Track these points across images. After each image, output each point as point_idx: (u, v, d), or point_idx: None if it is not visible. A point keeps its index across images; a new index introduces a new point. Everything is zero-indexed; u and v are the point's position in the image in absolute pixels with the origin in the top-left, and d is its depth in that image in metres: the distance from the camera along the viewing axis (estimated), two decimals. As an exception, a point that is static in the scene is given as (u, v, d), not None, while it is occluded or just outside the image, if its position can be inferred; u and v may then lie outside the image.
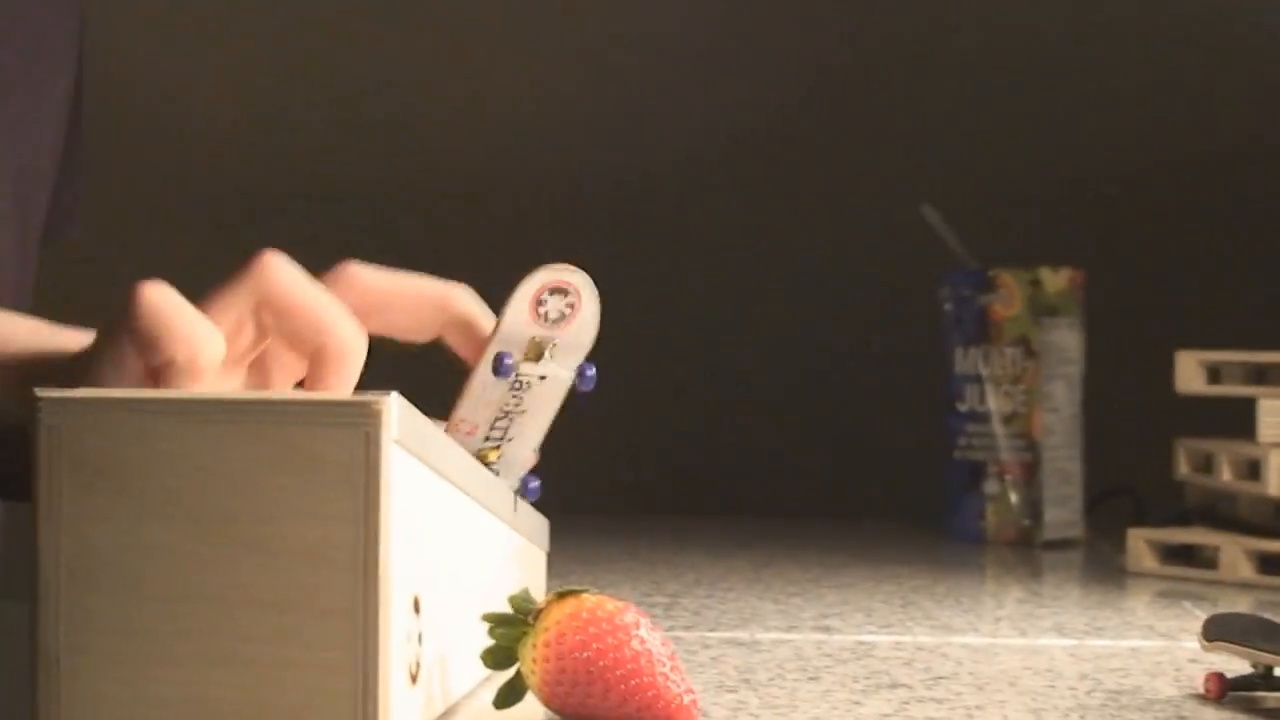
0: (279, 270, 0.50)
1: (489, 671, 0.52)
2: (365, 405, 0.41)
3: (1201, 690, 0.56)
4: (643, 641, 0.47)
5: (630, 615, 0.47)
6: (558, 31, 1.46)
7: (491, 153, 1.47)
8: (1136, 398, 1.10)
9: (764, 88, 1.41)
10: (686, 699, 0.46)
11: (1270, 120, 1.24)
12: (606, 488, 1.18)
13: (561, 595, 0.47)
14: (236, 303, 0.50)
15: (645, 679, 0.47)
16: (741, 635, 0.68)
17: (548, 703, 0.47)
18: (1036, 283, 1.06)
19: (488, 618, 0.48)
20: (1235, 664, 0.56)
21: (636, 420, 1.32)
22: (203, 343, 0.49)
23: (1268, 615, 0.63)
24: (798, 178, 1.40)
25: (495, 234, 1.43)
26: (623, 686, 0.47)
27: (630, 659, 0.47)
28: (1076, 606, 0.85)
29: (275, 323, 0.50)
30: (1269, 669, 0.55)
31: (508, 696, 0.48)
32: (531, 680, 0.47)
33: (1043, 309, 1.05)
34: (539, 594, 0.50)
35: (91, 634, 0.41)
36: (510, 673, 0.48)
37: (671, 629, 0.68)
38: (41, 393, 0.41)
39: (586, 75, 1.46)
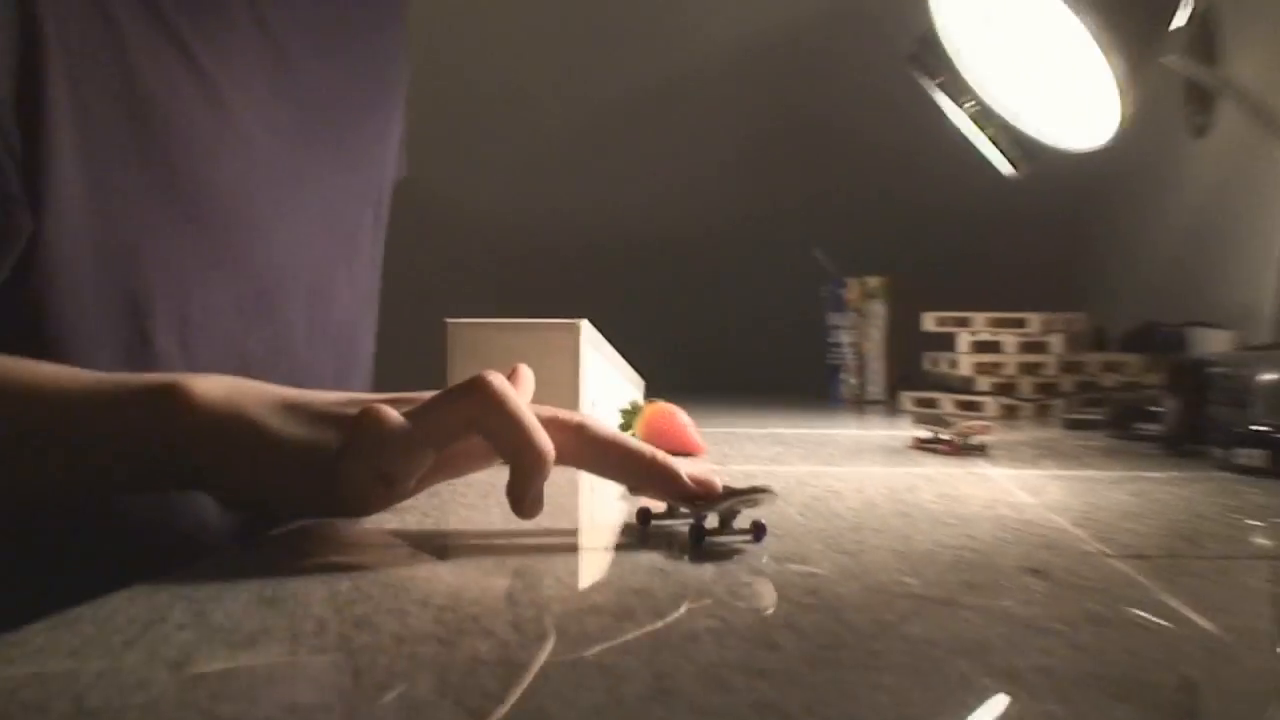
0: (500, 386, 0.59)
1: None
2: (574, 324, 0.95)
3: (910, 445, 1.27)
4: (682, 420, 1.00)
5: (678, 411, 1.01)
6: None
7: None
8: (908, 334, 1.62)
9: (698, 172, 2.03)
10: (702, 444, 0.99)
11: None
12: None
13: (649, 402, 1.01)
14: (465, 408, 0.58)
15: (683, 434, 1.00)
16: (722, 430, 1.35)
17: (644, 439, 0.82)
18: (865, 283, 1.68)
19: (622, 411, 1.02)
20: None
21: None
22: (547, 451, 0.58)
23: (942, 415, 1.37)
24: (744, 242, 2.03)
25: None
26: (672, 435, 0.99)
27: (679, 427, 1.00)
28: (871, 422, 1.43)
29: (491, 429, 0.58)
30: (937, 434, 1.05)
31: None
32: (637, 432, 0.96)
33: (868, 295, 1.68)
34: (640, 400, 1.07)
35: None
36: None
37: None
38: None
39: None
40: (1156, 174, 1.88)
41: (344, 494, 0.59)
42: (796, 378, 1.80)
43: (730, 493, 0.62)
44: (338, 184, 0.90)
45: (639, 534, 0.64)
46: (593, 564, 0.60)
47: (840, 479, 0.89)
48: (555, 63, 2.06)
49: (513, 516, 0.60)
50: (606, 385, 1.07)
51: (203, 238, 0.76)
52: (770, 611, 0.49)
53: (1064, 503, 0.79)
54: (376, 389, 0.91)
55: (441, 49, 1.90)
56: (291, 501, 0.60)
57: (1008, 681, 0.40)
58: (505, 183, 2.07)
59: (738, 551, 0.60)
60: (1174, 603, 0.50)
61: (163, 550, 0.67)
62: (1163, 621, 0.48)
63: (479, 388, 0.57)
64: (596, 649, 0.43)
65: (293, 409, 0.59)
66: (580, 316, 0.99)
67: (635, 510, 0.65)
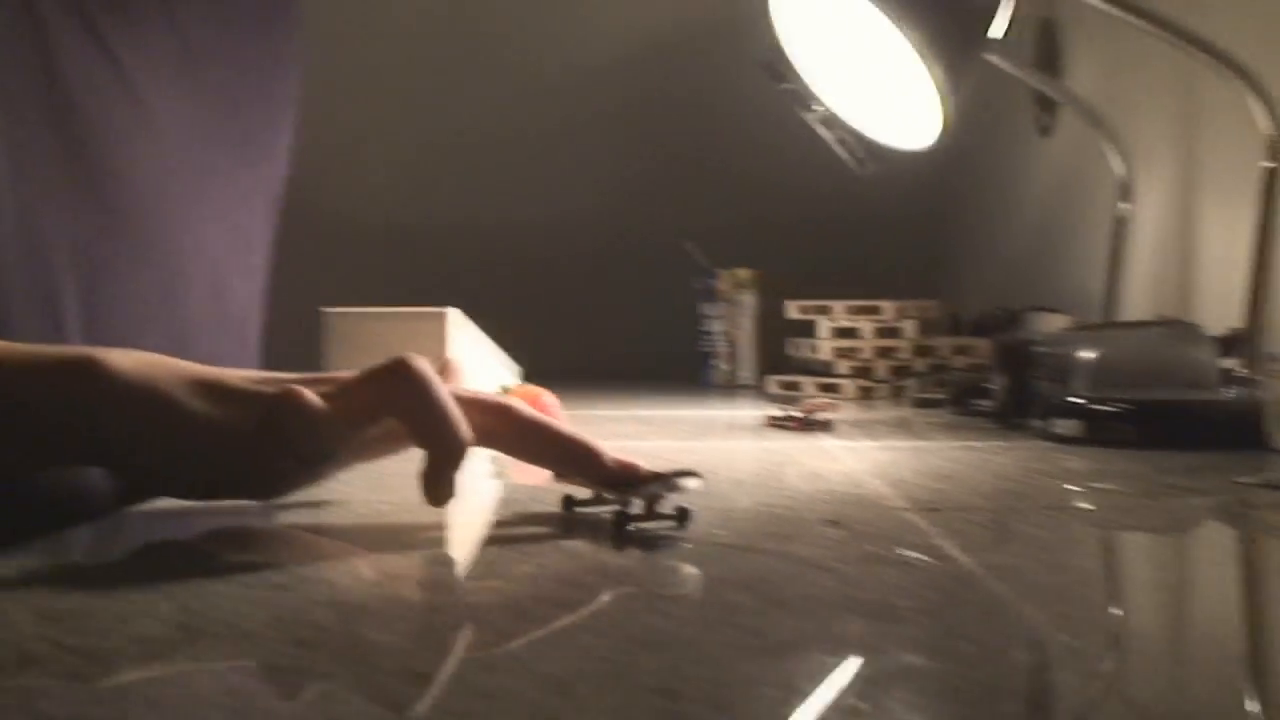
0: (420, 370, 0.56)
1: None
2: (441, 312, 1.06)
3: (765, 423, 1.39)
4: (547, 402, 0.92)
5: (545, 393, 0.94)
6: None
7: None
8: (776, 323, 1.70)
9: (579, 171, 2.13)
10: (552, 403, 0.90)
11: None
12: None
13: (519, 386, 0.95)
14: (384, 391, 0.56)
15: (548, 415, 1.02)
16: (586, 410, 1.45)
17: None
18: (735, 275, 1.78)
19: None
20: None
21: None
22: (463, 439, 0.56)
23: (799, 396, 1.42)
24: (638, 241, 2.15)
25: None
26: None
27: (544, 408, 0.83)
28: (736, 404, 1.52)
29: (407, 413, 0.56)
30: (788, 413, 1.12)
31: None
32: None
33: (738, 286, 1.78)
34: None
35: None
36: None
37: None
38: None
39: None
40: (1007, 170, 1.98)
41: (258, 474, 0.57)
42: (672, 365, 1.87)
43: (654, 477, 0.60)
44: (239, 179, 0.91)
45: (564, 521, 0.62)
46: (513, 552, 0.57)
47: (689, 452, 0.95)
48: (435, 62, 2.12)
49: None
50: (478, 371, 1.12)
51: (115, 229, 0.76)
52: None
53: (886, 469, 0.85)
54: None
55: (322, 44, 1.92)
56: (203, 480, 0.58)
57: (774, 607, 0.46)
58: (388, 177, 2.13)
59: (663, 538, 0.58)
60: (945, 545, 0.57)
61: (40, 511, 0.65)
62: (928, 559, 0.54)
63: (399, 370, 0.56)
64: (512, 641, 0.43)
65: (208, 386, 0.56)
66: (460, 306, 1.03)
67: (560, 498, 0.64)
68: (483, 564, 0.56)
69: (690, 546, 0.56)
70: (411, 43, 2.13)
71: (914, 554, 0.55)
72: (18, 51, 0.69)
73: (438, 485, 0.55)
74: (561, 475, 0.64)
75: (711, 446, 0.99)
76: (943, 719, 0.33)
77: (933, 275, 2.09)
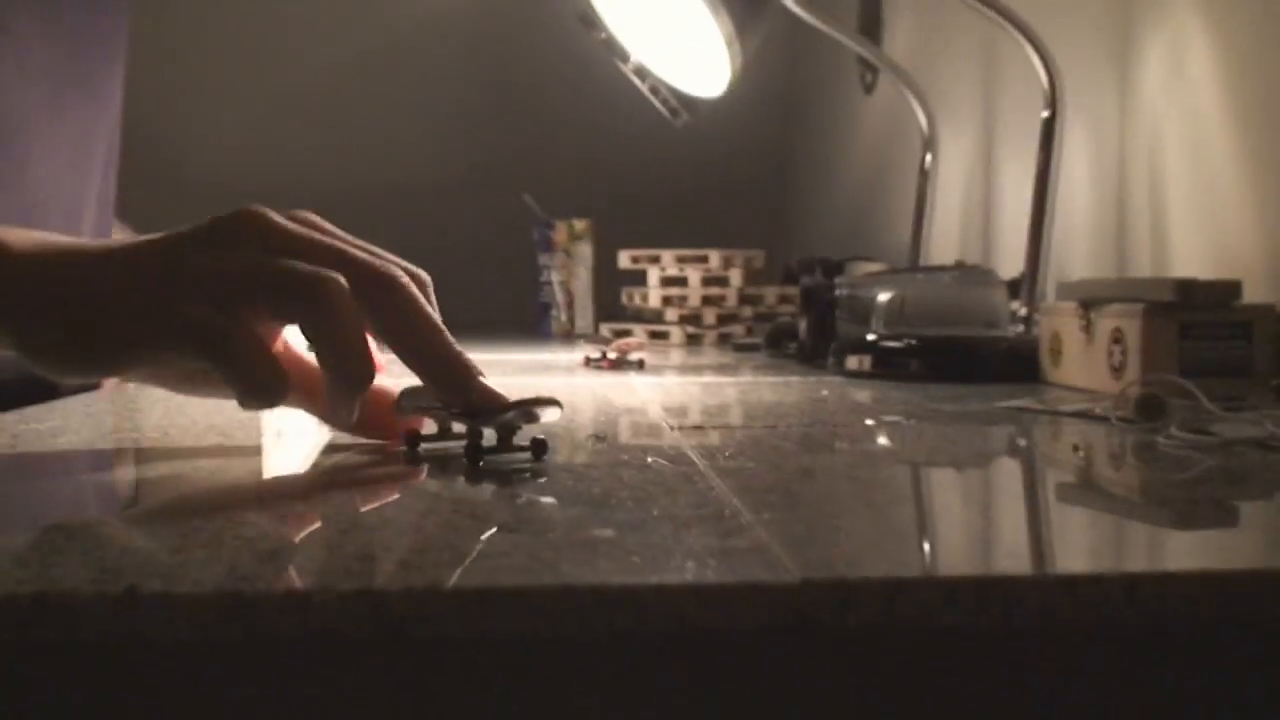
0: (341, 295, 0.51)
1: None
2: None
3: (581, 363, 1.43)
4: None
5: None
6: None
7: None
8: (606, 271, 1.76)
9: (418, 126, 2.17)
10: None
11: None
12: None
13: None
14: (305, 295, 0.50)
15: None
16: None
17: None
18: (571, 226, 1.79)
19: None
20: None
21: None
22: (371, 371, 0.52)
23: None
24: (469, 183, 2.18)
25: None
26: None
27: None
28: (567, 350, 1.50)
29: (321, 331, 0.51)
30: (603, 353, 1.12)
31: None
32: None
33: (574, 237, 1.80)
34: None
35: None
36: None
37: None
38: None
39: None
40: (835, 126, 2.04)
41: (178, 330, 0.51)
42: (513, 316, 1.90)
43: (513, 406, 0.56)
44: (86, 117, 0.90)
45: (408, 457, 0.58)
46: (354, 495, 0.53)
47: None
48: (287, 21, 2.11)
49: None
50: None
51: None
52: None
53: (676, 399, 0.90)
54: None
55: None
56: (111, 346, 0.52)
57: (504, 500, 0.49)
58: (235, 133, 2.11)
59: (516, 471, 0.55)
60: (690, 453, 0.61)
61: None
62: (667, 464, 0.58)
63: (322, 286, 0.50)
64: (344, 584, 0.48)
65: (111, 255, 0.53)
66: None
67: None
68: (337, 504, 0.58)
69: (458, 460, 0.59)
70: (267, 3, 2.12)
71: (660, 460, 0.59)
72: None
73: (343, 409, 0.53)
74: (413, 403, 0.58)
75: (520, 383, 1.02)
76: (613, 572, 0.36)
77: (769, 227, 2.14)
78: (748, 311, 1.63)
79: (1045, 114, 1.13)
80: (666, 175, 2.13)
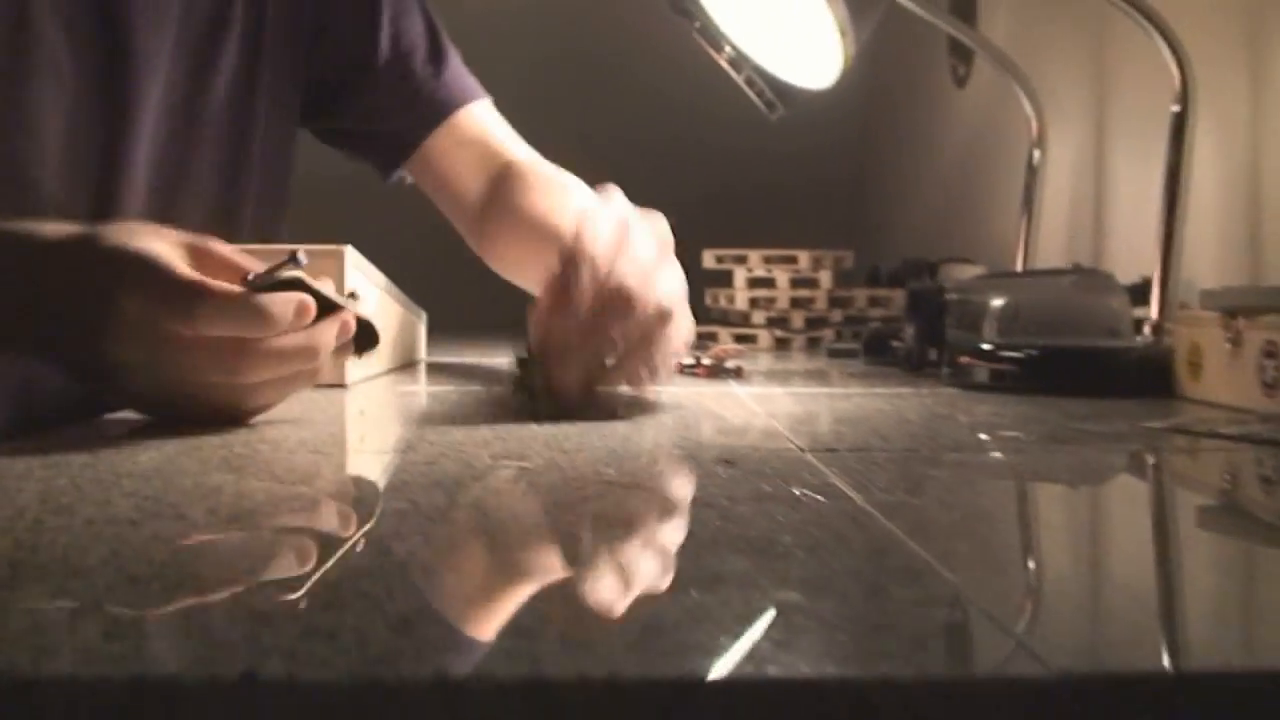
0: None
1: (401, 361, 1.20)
2: (338, 249, 0.89)
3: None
4: None
5: None
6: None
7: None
8: (691, 271, 1.83)
9: None
10: None
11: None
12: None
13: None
14: None
15: None
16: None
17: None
18: None
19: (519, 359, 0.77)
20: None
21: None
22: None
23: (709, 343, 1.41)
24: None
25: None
26: None
27: None
28: None
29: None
30: (697, 358, 1.35)
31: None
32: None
33: None
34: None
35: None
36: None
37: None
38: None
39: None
40: (926, 121, 1.96)
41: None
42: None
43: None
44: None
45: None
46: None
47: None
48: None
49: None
50: (380, 315, 1.07)
51: None
52: (464, 496, 0.51)
53: (790, 412, 0.83)
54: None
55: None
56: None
57: (646, 548, 0.42)
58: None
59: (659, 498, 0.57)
60: (838, 483, 0.54)
61: None
62: (819, 497, 0.51)
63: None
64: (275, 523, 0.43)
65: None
66: (359, 248, 0.97)
67: None
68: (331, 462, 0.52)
69: (577, 483, 0.53)
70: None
71: (807, 492, 0.52)
72: None
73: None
74: None
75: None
76: (820, 656, 0.30)
77: (852, 227, 2.06)
78: (837, 315, 1.55)
79: (1175, 109, 1.04)
80: (743, 171, 2.05)
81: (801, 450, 0.64)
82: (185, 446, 0.62)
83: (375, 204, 2.03)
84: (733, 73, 1.21)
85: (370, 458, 0.64)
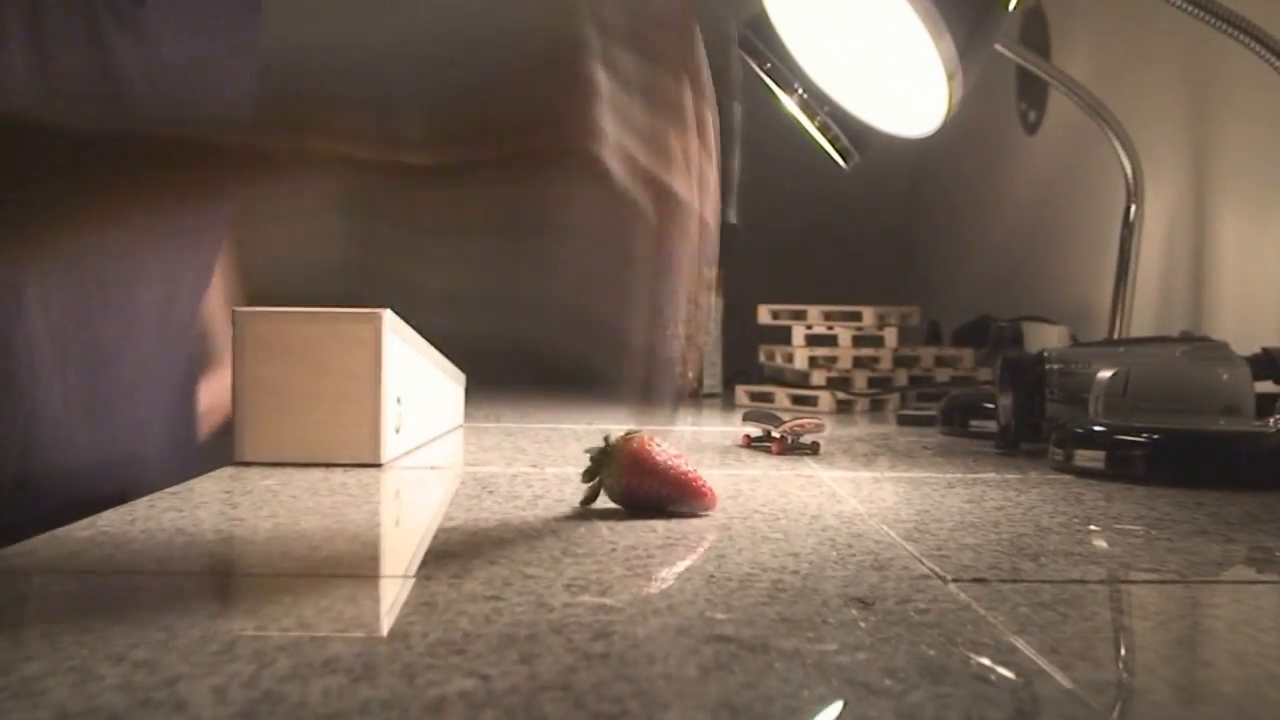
0: None
1: (439, 431, 0.97)
2: (375, 313, 0.81)
3: (740, 442, 1.00)
4: (669, 453, 0.64)
5: (658, 440, 0.64)
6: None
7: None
8: (743, 329, 1.57)
9: None
10: (706, 485, 0.65)
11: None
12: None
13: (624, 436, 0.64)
14: None
15: (683, 470, 0.64)
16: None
17: (628, 490, 0.63)
18: None
19: (589, 450, 0.65)
20: (755, 430, 0.99)
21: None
22: None
23: (775, 413, 1.24)
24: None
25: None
26: (673, 473, 0.63)
27: (673, 461, 0.64)
28: (710, 416, 1.36)
29: None
30: (767, 432, 0.98)
31: (590, 498, 0.65)
32: (614, 480, 0.63)
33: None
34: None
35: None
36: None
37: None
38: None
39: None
40: (990, 170, 1.84)
41: None
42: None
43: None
44: None
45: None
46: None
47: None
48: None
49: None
50: (417, 380, 0.96)
51: None
52: (545, 664, 0.39)
53: (895, 511, 0.70)
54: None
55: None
56: None
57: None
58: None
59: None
60: (1021, 645, 0.42)
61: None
62: (1009, 674, 0.39)
63: None
64: None
65: None
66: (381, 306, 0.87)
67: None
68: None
69: (684, 640, 0.41)
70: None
71: (988, 663, 0.39)
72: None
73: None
74: None
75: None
76: None
77: (901, 280, 1.94)
78: (902, 376, 1.43)
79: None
80: (787, 223, 1.93)
81: (943, 580, 0.52)
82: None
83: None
84: (803, 117, 1.10)
85: (415, 588, 0.52)
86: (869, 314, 1.43)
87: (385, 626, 0.44)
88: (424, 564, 0.55)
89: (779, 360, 1.49)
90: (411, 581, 0.51)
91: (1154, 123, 1.28)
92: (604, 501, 0.68)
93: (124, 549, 0.57)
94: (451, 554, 0.57)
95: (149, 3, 0.78)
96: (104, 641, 0.41)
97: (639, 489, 0.64)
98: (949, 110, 0.85)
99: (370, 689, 0.36)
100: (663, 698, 0.36)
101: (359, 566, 0.55)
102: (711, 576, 0.52)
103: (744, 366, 1.59)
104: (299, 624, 0.44)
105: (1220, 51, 1.15)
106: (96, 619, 0.44)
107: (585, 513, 0.66)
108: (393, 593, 0.50)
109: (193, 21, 0.83)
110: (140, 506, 0.67)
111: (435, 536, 0.61)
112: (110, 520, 0.63)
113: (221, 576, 0.55)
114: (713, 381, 1.61)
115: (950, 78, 0.82)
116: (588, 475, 0.66)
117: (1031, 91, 1.61)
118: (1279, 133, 0.98)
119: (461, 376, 1.17)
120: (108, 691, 0.36)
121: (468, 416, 1.22)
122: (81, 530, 0.60)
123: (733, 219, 1.10)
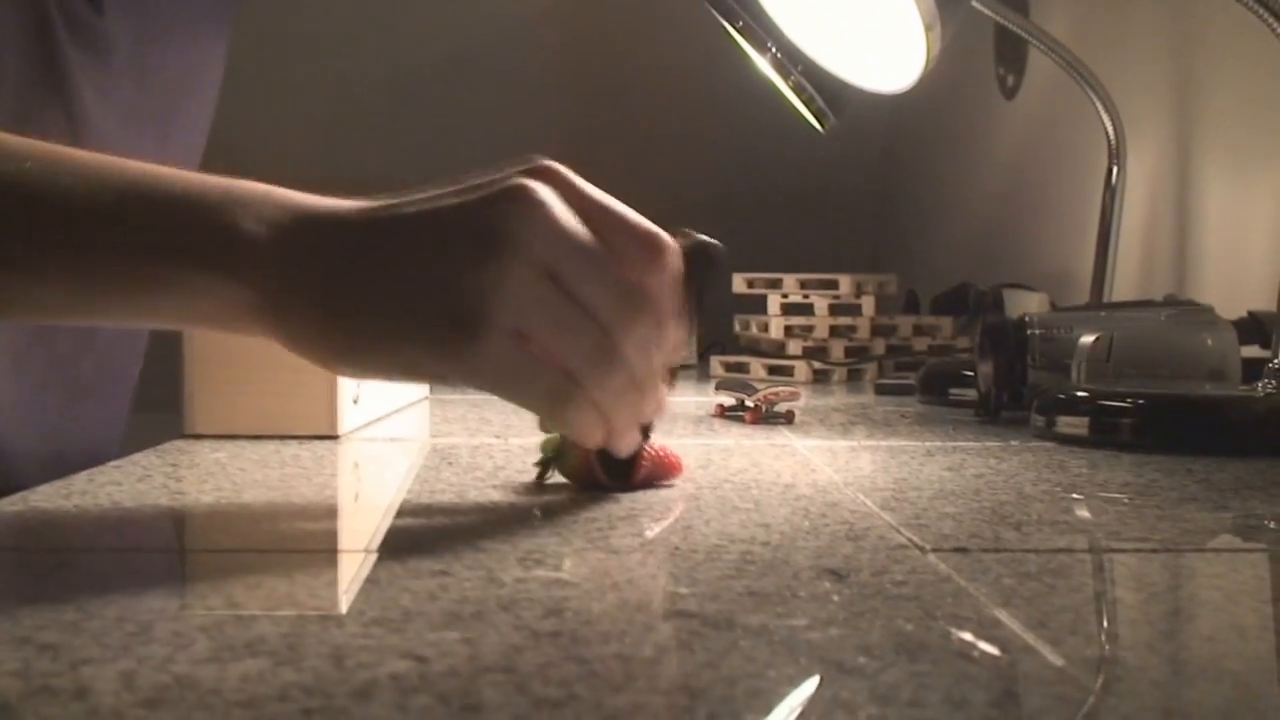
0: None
1: (401, 403, 0.94)
2: None
3: (714, 412, 0.95)
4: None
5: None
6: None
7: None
8: (722, 298, 1.50)
9: (512, 129, 1.92)
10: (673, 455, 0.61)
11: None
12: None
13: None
14: None
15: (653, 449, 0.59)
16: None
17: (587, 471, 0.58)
18: None
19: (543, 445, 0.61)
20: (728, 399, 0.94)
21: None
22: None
23: (751, 382, 1.13)
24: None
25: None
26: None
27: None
28: (683, 387, 1.28)
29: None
30: (741, 401, 0.93)
31: (544, 473, 0.61)
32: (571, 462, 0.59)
33: None
34: None
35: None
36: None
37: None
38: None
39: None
40: (968, 136, 1.81)
41: None
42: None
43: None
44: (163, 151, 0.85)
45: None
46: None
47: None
48: (369, 19, 1.92)
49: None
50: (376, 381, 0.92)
51: None
52: (488, 644, 0.36)
53: (872, 479, 0.67)
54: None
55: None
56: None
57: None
58: (312, 138, 1.92)
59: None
60: (1006, 618, 0.38)
61: None
62: (993, 650, 0.35)
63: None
64: None
65: None
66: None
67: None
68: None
69: (642, 616, 0.38)
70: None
71: (970, 638, 0.36)
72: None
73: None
74: None
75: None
76: None
77: (875, 248, 1.91)
78: (880, 345, 1.40)
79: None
80: (760, 188, 1.89)
81: (921, 550, 0.49)
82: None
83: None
84: (777, 78, 1.06)
85: (358, 563, 0.48)
86: (846, 282, 1.39)
87: (319, 605, 0.41)
88: (370, 538, 0.52)
89: (754, 330, 1.46)
90: (355, 557, 0.48)
91: (1136, 82, 1.25)
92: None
93: (53, 525, 0.54)
94: (400, 528, 0.54)
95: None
96: (11, 622, 0.37)
97: (595, 472, 0.59)
98: (927, 63, 0.81)
99: (294, 673, 0.33)
100: (615, 680, 0.33)
101: (300, 542, 0.52)
102: (676, 549, 0.49)
103: (719, 338, 1.55)
104: (226, 603, 0.40)
105: (1205, 8, 1.12)
106: (6, 599, 0.41)
107: (546, 485, 0.63)
108: (332, 569, 0.47)
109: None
110: (79, 480, 0.63)
111: (385, 510, 0.58)
112: (44, 494, 0.59)
113: (152, 554, 0.52)
114: (687, 353, 1.57)
115: (929, 29, 0.78)
116: (541, 465, 0.62)
117: (1010, 56, 1.58)
118: (1265, 91, 0.95)
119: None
120: (3, 678, 0.32)
121: (432, 387, 1.18)
122: (10, 505, 0.56)
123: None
